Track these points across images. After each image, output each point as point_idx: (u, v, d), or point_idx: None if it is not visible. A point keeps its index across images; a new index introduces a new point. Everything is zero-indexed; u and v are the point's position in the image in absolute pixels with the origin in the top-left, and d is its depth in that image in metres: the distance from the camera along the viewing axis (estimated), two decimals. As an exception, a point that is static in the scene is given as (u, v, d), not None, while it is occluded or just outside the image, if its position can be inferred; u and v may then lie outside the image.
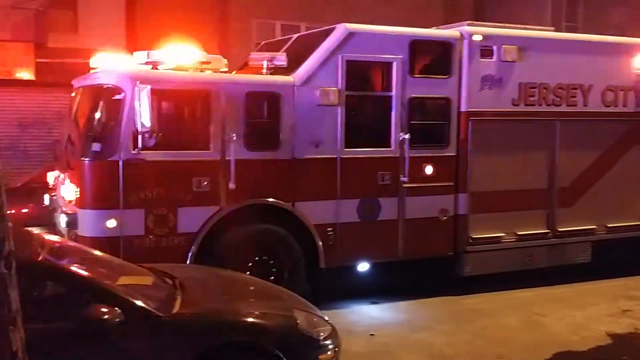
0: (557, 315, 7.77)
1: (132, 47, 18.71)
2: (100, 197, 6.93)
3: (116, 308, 4.32)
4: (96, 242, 6.88)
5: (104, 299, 4.37)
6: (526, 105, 8.79)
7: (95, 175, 6.95)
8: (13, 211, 10.40)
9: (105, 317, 4.23)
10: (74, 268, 4.73)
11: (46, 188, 9.03)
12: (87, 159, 6.96)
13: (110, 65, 7.37)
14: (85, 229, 6.98)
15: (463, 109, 8.46)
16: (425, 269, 8.68)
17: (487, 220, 8.71)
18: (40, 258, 4.50)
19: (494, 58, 8.56)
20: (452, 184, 8.50)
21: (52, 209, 8.43)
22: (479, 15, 25.78)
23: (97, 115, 7.18)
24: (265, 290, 5.84)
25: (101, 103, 7.16)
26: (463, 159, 8.53)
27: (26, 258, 4.30)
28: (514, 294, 8.60)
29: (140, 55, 7.38)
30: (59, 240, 5.55)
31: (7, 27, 18.44)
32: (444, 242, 8.52)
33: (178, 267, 6.06)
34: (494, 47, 8.54)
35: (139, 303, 4.49)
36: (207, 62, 7.37)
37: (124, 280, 5.03)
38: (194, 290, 5.19)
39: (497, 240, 8.81)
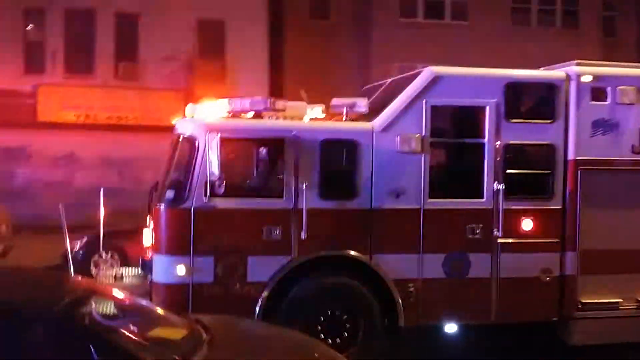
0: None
1: (276, 93, 19.44)
2: (171, 243, 7.00)
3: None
4: (167, 288, 6.99)
5: (110, 353, 4.27)
6: (649, 153, 7.75)
7: (168, 222, 7.04)
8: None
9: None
10: (94, 319, 4.69)
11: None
12: (161, 206, 7.09)
13: (192, 114, 7.51)
14: (157, 274, 7.08)
15: (571, 157, 7.61)
16: (525, 334, 7.82)
17: (600, 283, 7.69)
18: (55, 308, 4.49)
19: (608, 100, 7.66)
20: (557, 240, 7.62)
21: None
22: (642, 52, 23.86)
23: (175, 163, 7.32)
24: (309, 357, 5.40)
25: (179, 151, 7.31)
26: (571, 213, 7.63)
27: (39, 306, 4.34)
28: (630, 369, 7.49)
29: (222, 104, 7.44)
30: (102, 289, 5.57)
31: (161, 76, 19.93)
32: (546, 306, 7.62)
33: (225, 321, 5.84)
34: (608, 89, 7.64)
35: (146, 361, 4.34)
36: (282, 110, 7.26)
37: (156, 332, 4.96)
38: (223, 350, 4.96)
39: (613, 306, 7.72)
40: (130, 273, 8.27)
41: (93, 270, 11.71)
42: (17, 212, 16.85)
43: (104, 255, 9.10)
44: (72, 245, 12.82)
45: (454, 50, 22.12)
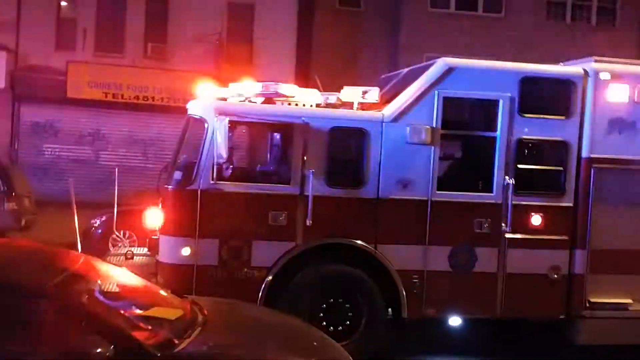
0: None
1: (302, 78, 19.42)
2: (177, 225, 7.05)
3: (109, 341, 4.27)
4: (171, 269, 7.07)
5: (99, 330, 4.33)
6: (667, 153, 7.58)
7: (175, 203, 7.10)
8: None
9: (90, 349, 4.19)
10: (88, 296, 4.75)
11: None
12: (169, 187, 7.15)
13: (202, 96, 7.53)
14: (163, 255, 7.15)
15: (585, 154, 7.50)
16: (532, 331, 7.75)
17: (610, 282, 7.58)
18: (51, 283, 4.56)
19: (626, 99, 7.50)
20: (566, 238, 7.52)
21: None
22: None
23: (184, 144, 7.38)
24: (304, 344, 5.41)
25: (188, 133, 7.35)
26: (583, 211, 7.52)
27: (33, 281, 4.42)
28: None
29: (234, 87, 7.46)
30: (100, 267, 5.60)
31: (189, 58, 19.97)
32: (554, 304, 7.54)
33: (225, 304, 5.88)
34: (627, 87, 7.49)
35: (134, 338, 4.39)
36: (292, 96, 7.25)
37: (151, 311, 5.03)
38: (215, 331, 5.00)
39: (622, 307, 7.62)
40: (141, 252, 8.36)
41: (110, 248, 11.89)
42: (43, 187, 17.17)
43: (117, 234, 9.20)
44: (92, 223, 13.08)
45: (486, 42, 21.82)
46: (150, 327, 4.70)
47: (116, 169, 9.24)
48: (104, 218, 12.77)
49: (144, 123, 20.16)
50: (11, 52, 19.67)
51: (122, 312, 4.81)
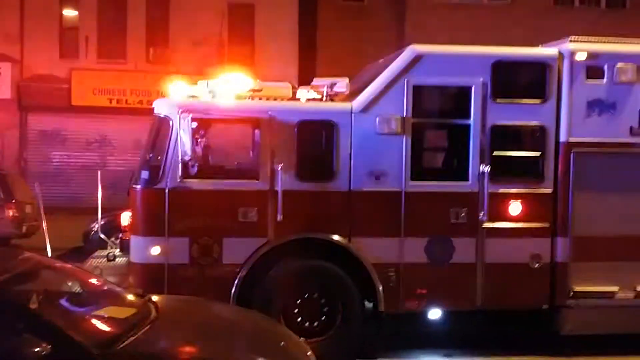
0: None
1: (305, 77, 19.33)
2: (146, 224, 7.02)
3: (44, 341, 4.23)
4: (143, 269, 7.03)
5: (36, 330, 4.30)
6: (650, 134, 7.34)
7: (143, 203, 7.06)
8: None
9: (27, 349, 4.15)
10: (31, 296, 4.71)
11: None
12: (137, 186, 7.11)
13: (170, 94, 7.49)
14: (134, 255, 7.11)
15: (563, 139, 7.28)
16: (514, 322, 7.56)
17: (594, 270, 7.35)
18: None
19: (605, 79, 7.28)
20: (547, 225, 7.32)
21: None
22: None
23: (151, 143, 7.33)
24: (266, 344, 5.30)
25: (154, 132, 7.31)
26: (563, 197, 7.31)
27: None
28: (622, 361, 7.16)
29: (201, 85, 7.40)
30: (55, 267, 5.57)
31: (191, 62, 20.01)
32: (536, 293, 7.33)
33: (189, 303, 5.83)
34: (605, 67, 7.26)
35: (72, 338, 4.34)
36: (259, 90, 7.16)
37: (102, 310, 5.01)
38: (164, 328, 4.95)
39: (608, 295, 7.39)
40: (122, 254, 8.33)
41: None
42: (51, 193, 17.31)
43: (103, 236, 9.18)
44: (91, 227, 13.14)
45: (493, 31, 21.50)
46: (95, 326, 4.68)
47: (98, 172, 9.21)
48: (102, 222, 12.84)
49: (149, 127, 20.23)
50: (16, 63, 19.92)
51: (67, 311, 4.79)
